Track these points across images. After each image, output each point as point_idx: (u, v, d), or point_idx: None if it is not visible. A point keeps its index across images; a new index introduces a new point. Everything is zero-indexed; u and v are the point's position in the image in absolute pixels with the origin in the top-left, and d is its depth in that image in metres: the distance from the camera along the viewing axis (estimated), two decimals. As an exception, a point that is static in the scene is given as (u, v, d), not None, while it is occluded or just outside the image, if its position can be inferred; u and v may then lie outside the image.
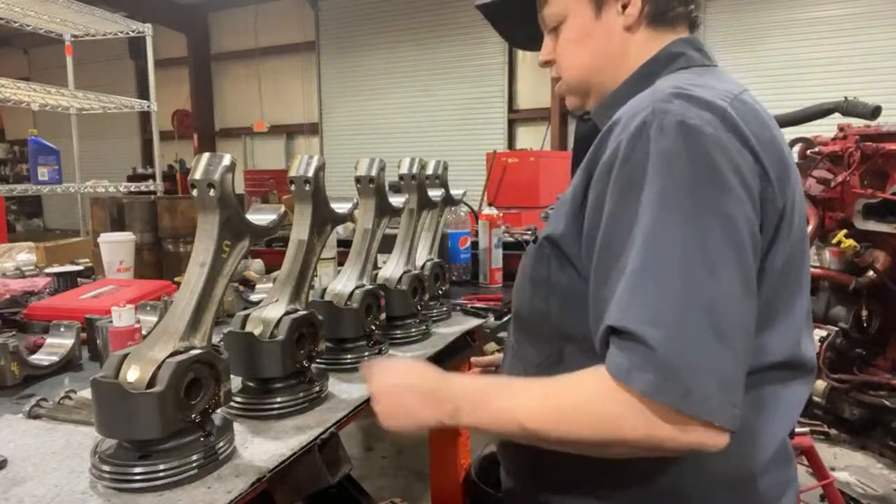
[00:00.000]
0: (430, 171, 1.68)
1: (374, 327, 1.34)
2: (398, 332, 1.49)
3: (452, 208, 1.95)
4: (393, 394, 0.94)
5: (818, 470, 2.04)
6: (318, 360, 1.18)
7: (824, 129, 1.97)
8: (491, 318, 1.73)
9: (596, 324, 0.78)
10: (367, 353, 1.33)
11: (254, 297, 1.81)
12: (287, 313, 1.10)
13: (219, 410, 0.94)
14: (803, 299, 0.87)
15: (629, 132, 0.77)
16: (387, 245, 1.52)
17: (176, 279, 1.84)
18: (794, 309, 0.86)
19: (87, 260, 2.35)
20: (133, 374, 0.83)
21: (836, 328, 1.73)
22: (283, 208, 1.02)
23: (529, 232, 2.67)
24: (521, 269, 0.99)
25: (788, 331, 0.85)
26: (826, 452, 2.78)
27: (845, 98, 1.83)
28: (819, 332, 1.74)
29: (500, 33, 1.18)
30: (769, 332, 0.82)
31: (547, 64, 1.04)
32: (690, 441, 0.70)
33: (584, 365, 0.78)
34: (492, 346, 3.90)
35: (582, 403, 0.75)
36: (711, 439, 0.70)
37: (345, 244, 1.70)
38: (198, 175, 0.89)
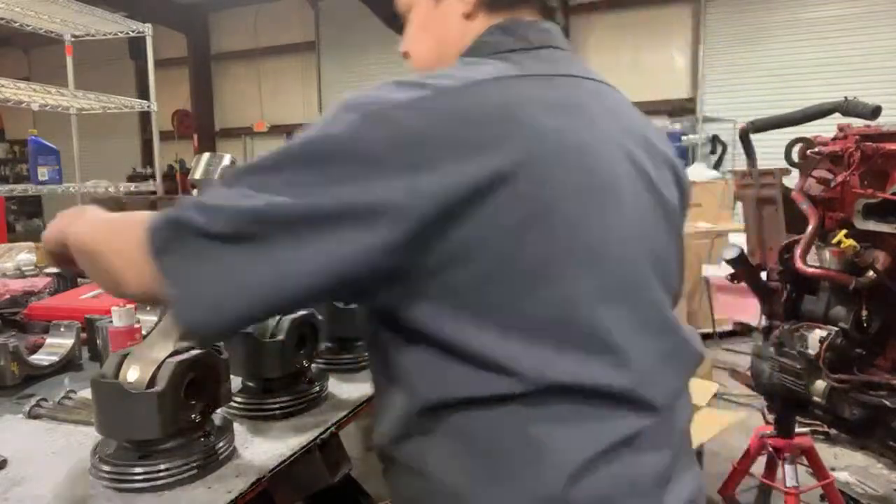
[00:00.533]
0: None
1: (374, 327, 1.34)
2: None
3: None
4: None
5: (818, 470, 2.04)
6: (318, 360, 1.18)
7: (824, 129, 1.97)
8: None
9: None
10: (367, 353, 1.33)
11: (254, 297, 1.80)
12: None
13: (219, 410, 0.94)
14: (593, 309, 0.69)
15: None
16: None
17: (176, 279, 1.84)
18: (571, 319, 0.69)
19: (87, 260, 2.34)
20: (133, 374, 0.83)
21: (836, 328, 1.73)
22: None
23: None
24: None
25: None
26: (826, 452, 2.78)
27: (845, 98, 1.83)
28: (819, 332, 1.73)
29: (381, 19, 1.14)
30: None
31: (405, 55, 0.97)
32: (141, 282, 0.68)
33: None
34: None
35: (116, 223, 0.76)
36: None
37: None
38: (198, 175, 0.89)
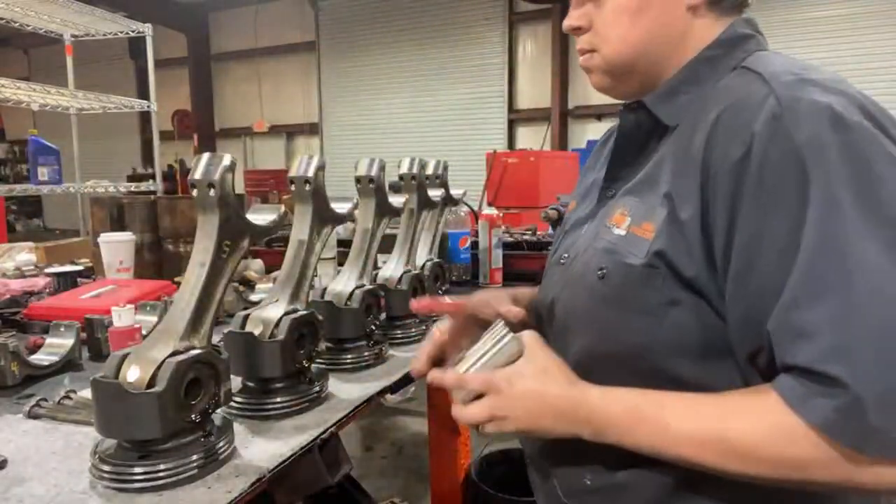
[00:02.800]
0: (430, 171, 1.68)
1: (374, 327, 1.34)
2: (398, 331, 1.49)
3: (452, 208, 1.95)
4: (519, 400, 0.77)
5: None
6: (318, 360, 1.18)
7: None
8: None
9: (754, 355, 0.68)
10: (367, 353, 1.33)
11: (254, 297, 1.81)
12: (287, 313, 1.10)
13: (219, 410, 0.94)
14: None
15: (759, 127, 0.66)
16: (387, 245, 1.52)
17: (176, 279, 1.84)
18: None
19: (87, 260, 2.35)
20: (133, 374, 0.83)
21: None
22: (283, 208, 1.03)
23: (529, 232, 2.67)
24: (592, 292, 0.81)
25: None
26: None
27: (845, 98, 1.84)
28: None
29: None
30: None
31: (576, 31, 0.86)
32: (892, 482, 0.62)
33: None
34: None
35: (759, 442, 0.65)
36: None
37: (345, 244, 1.70)
38: (198, 175, 0.89)
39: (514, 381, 0.77)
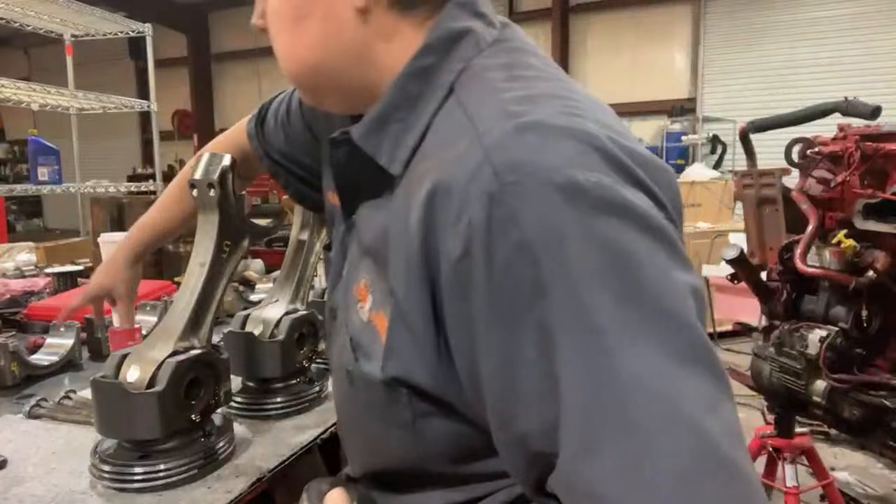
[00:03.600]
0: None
1: (374, 327, 1.34)
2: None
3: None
4: None
5: (818, 470, 2.04)
6: (318, 360, 1.18)
7: (824, 129, 1.97)
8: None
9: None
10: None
11: (254, 297, 1.81)
12: (287, 313, 1.10)
13: (219, 410, 0.94)
14: None
15: (476, 217, 0.48)
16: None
17: (176, 279, 1.84)
18: None
19: (87, 260, 2.35)
20: (133, 374, 0.84)
21: (836, 328, 1.73)
22: (283, 208, 1.02)
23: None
24: (348, 395, 0.67)
25: None
26: (826, 452, 2.78)
27: (845, 98, 1.83)
28: (819, 332, 1.73)
29: None
30: None
31: (263, 31, 0.70)
32: None
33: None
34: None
35: None
36: None
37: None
38: (198, 175, 0.89)
39: None
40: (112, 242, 1.94)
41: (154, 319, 1.46)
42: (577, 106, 0.54)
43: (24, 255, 2.42)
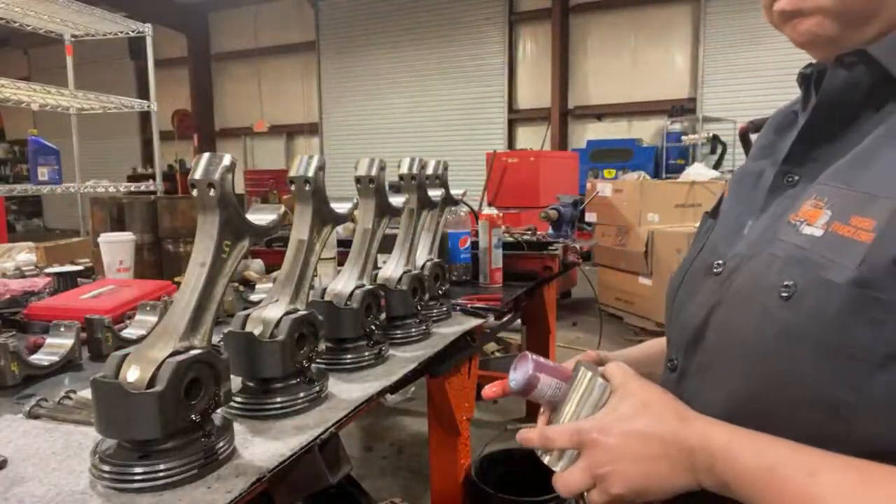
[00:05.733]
0: (430, 171, 1.68)
1: (374, 327, 1.34)
2: (398, 332, 1.49)
3: (452, 208, 1.95)
4: (619, 448, 0.61)
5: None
6: (318, 360, 1.18)
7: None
8: (491, 318, 1.73)
9: None
10: (367, 353, 1.33)
11: (254, 297, 1.81)
12: (287, 313, 1.10)
13: (219, 410, 0.94)
14: None
15: None
16: (387, 245, 1.52)
17: (176, 279, 1.84)
18: None
19: (87, 260, 2.35)
20: (133, 374, 0.83)
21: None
22: (283, 208, 1.02)
23: (529, 232, 2.67)
24: (768, 318, 0.58)
25: None
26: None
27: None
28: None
29: None
30: None
31: (793, 14, 0.64)
32: None
33: None
34: (492, 345, 3.91)
35: None
36: None
37: (345, 244, 1.70)
38: (198, 175, 0.89)
39: (608, 427, 0.62)
40: (112, 242, 1.95)
41: (154, 319, 1.46)
42: None
43: (24, 255, 2.43)
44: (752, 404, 0.60)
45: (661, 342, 0.87)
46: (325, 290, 1.34)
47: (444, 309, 1.69)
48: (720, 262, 0.69)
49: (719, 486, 0.57)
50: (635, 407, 0.63)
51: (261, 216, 0.99)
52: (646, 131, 9.21)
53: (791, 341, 0.56)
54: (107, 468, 0.84)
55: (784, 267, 0.58)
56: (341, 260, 1.56)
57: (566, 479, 0.64)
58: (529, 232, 2.65)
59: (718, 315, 0.66)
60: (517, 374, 0.75)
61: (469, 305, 1.80)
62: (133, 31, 4.33)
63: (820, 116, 0.65)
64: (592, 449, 0.62)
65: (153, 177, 4.75)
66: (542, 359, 0.76)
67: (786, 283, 0.57)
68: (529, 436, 0.68)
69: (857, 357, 0.52)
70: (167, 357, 0.85)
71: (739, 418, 0.60)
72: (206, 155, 0.91)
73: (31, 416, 1.07)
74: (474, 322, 1.68)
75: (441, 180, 1.73)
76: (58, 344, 1.33)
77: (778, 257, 0.60)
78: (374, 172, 1.37)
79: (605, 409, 0.65)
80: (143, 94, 4.80)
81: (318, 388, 1.13)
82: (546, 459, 0.68)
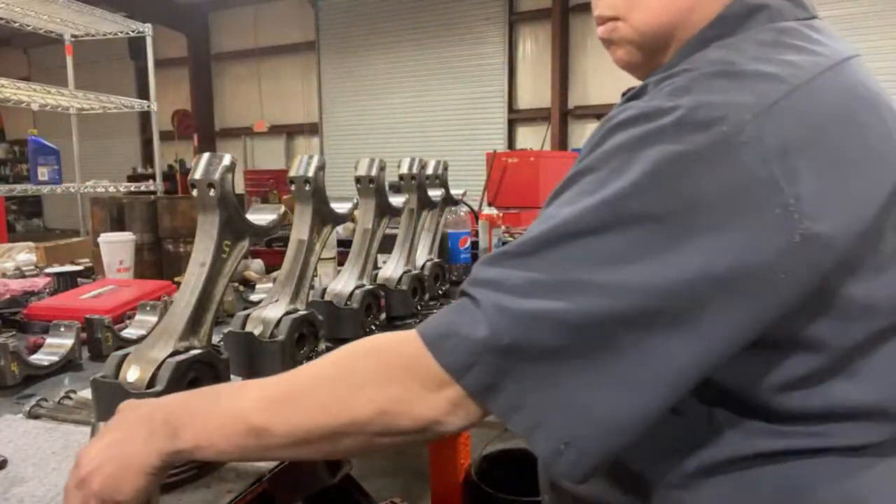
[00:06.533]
0: (430, 171, 1.68)
1: (374, 327, 1.34)
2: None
3: (452, 208, 1.95)
4: (99, 452, 0.68)
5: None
6: (318, 360, 1.18)
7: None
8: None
9: None
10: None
11: (254, 297, 1.81)
12: (287, 313, 1.10)
13: (219, 410, 0.94)
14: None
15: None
16: (387, 245, 1.52)
17: (176, 279, 1.84)
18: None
19: (87, 260, 2.35)
20: (133, 374, 0.84)
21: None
22: (283, 208, 1.03)
23: (529, 232, 2.66)
24: None
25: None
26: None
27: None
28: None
29: None
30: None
31: (607, 21, 0.72)
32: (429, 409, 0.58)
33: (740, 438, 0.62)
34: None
35: (322, 372, 0.65)
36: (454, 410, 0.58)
37: (345, 244, 1.70)
38: (198, 175, 0.89)
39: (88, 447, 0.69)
40: (112, 242, 1.95)
41: (154, 319, 1.46)
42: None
43: (24, 255, 2.43)
44: None
45: None
46: (325, 290, 1.34)
47: (444, 309, 1.69)
48: None
49: (177, 436, 0.64)
50: (113, 422, 0.71)
51: (261, 216, 0.99)
52: (646, 131, 9.20)
53: None
54: (107, 468, 0.83)
55: None
56: (341, 260, 1.56)
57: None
58: (529, 232, 2.65)
59: None
60: None
61: (469, 305, 1.79)
62: (133, 31, 4.33)
63: None
64: (75, 468, 0.69)
65: (153, 177, 4.75)
66: None
67: None
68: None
69: None
70: (167, 357, 0.85)
71: None
72: (206, 155, 0.91)
73: (32, 416, 1.07)
74: (474, 322, 1.67)
75: (441, 180, 1.73)
76: (58, 344, 1.33)
77: None
78: (374, 172, 1.37)
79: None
80: (143, 94, 4.81)
81: (318, 388, 1.13)
82: None
